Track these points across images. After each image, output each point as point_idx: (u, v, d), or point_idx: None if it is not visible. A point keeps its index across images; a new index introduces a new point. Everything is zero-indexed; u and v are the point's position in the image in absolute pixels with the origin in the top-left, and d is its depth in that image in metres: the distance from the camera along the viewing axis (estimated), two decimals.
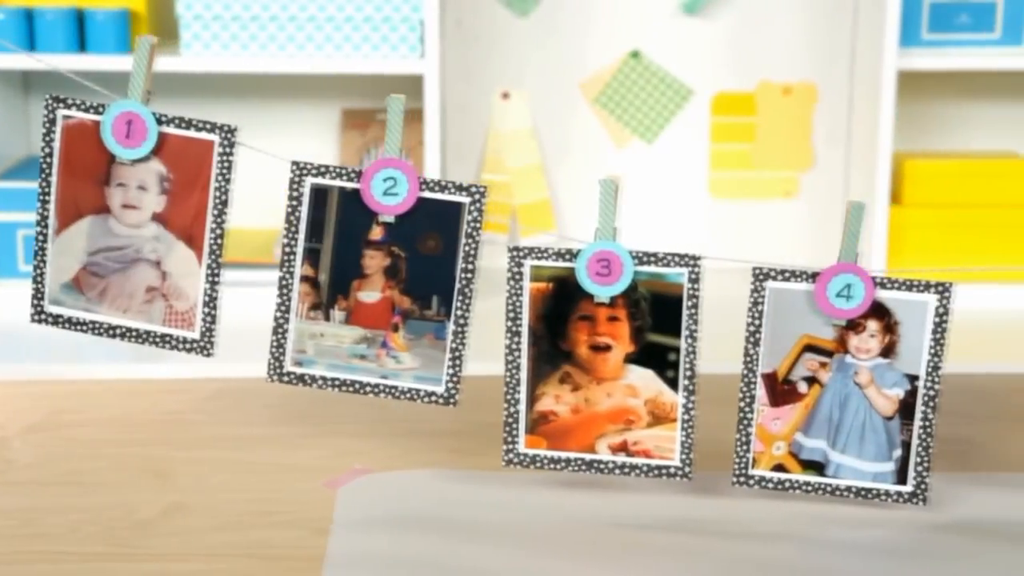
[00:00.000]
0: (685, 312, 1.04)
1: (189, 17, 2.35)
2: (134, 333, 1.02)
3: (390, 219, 1.02)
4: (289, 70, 2.39)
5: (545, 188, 2.79)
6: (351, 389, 1.05)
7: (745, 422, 1.07)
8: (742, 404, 1.07)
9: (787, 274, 1.05)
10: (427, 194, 1.02)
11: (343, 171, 1.02)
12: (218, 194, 1.00)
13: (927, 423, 1.05)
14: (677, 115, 2.79)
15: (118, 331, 1.02)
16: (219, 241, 1.00)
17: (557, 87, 2.77)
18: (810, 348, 1.06)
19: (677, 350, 1.05)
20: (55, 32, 2.32)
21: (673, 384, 1.05)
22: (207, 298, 1.01)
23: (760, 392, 1.06)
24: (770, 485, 1.08)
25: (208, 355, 1.01)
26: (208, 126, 0.99)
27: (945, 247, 2.50)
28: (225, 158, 0.99)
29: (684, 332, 1.04)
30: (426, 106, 2.42)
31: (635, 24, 2.71)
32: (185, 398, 1.30)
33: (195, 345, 1.02)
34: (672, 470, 1.07)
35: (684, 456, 1.06)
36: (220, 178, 0.99)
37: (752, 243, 2.77)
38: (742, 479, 1.08)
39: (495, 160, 2.80)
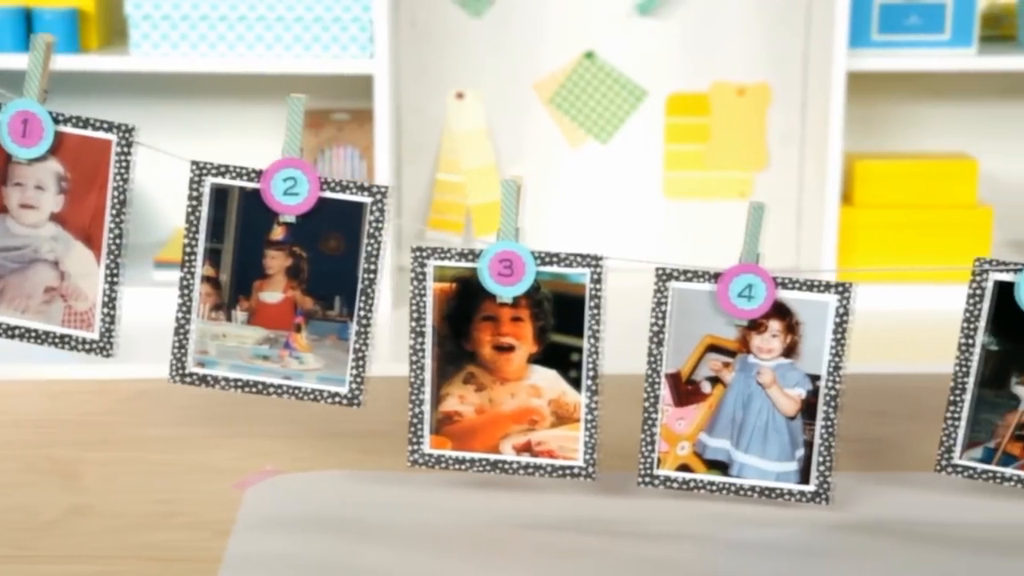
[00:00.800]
0: (588, 312, 1.04)
1: (138, 17, 2.35)
2: (33, 334, 1.02)
3: (291, 219, 1.02)
4: (238, 70, 2.39)
5: (499, 188, 2.79)
6: (254, 390, 1.05)
7: (650, 422, 1.07)
8: (646, 404, 1.07)
9: (690, 274, 1.05)
10: (328, 194, 1.02)
11: (243, 171, 1.02)
12: (116, 194, 0.99)
13: (829, 423, 1.06)
14: (631, 115, 2.80)
15: (16, 332, 1.02)
16: (118, 241, 1.00)
17: (512, 87, 2.77)
18: (713, 348, 1.06)
19: (580, 350, 1.05)
20: (2, 31, 2.31)
21: (576, 384, 1.05)
22: (106, 298, 1.00)
23: (664, 392, 1.07)
24: (675, 485, 1.08)
25: (108, 355, 1.01)
26: (106, 125, 0.99)
27: (895, 247, 2.51)
28: (123, 158, 0.99)
29: (587, 332, 1.04)
30: (376, 106, 2.42)
31: (589, 25, 2.72)
32: (104, 399, 1.30)
33: (95, 346, 1.01)
34: (576, 470, 1.07)
35: (588, 456, 1.06)
36: (118, 178, 0.99)
37: (707, 244, 2.78)
38: (647, 479, 1.08)
39: (450, 160, 2.80)
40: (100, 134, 0.99)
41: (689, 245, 2.67)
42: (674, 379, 1.07)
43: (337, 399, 1.05)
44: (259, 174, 1.02)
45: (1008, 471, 1.08)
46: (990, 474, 1.08)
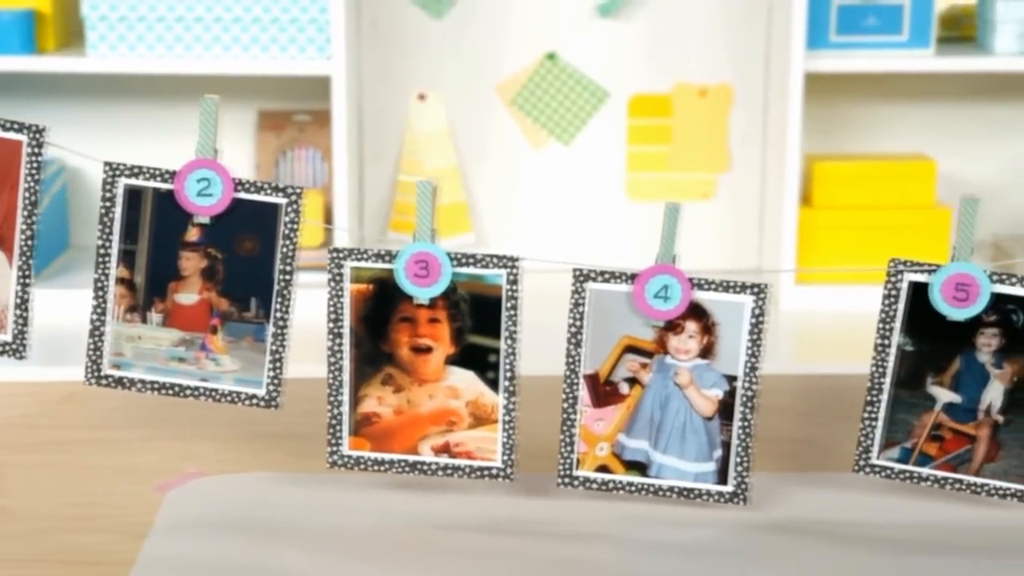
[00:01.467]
0: (504, 314, 1.04)
1: (95, 18, 2.34)
2: None
3: (206, 220, 1.02)
4: (195, 71, 2.38)
5: (462, 190, 2.79)
6: (171, 392, 1.04)
7: (568, 423, 1.07)
8: (565, 405, 1.07)
9: (607, 275, 1.05)
10: (243, 195, 1.02)
11: (157, 172, 1.02)
12: (28, 195, 0.99)
13: (746, 423, 1.06)
14: (593, 117, 2.80)
15: None
16: (30, 243, 0.99)
17: (473, 89, 2.77)
18: (631, 349, 1.06)
19: (498, 351, 1.05)
20: None
21: (494, 385, 1.05)
22: (19, 300, 1.00)
23: (583, 393, 1.07)
24: (594, 486, 1.08)
25: (21, 357, 1.01)
26: (16, 126, 0.99)
27: (854, 248, 2.51)
28: (34, 159, 0.99)
29: (504, 334, 1.04)
30: (334, 108, 2.42)
31: (551, 26, 2.72)
32: (32, 401, 1.30)
33: (7, 348, 1.01)
34: (494, 471, 1.07)
35: (506, 457, 1.06)
36: (29, 179, 0.99)
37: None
38: (567, 480, 1.08)
39: (412, 162, 2.79)
40: (10, 135, 0.98)
41: (653, 246, 2.66)
42: (592, 380, 1.07)
43: (255, 401, 1.05)
44: (173, 175, 1.02)
45: (925, 471, 1.08)
46: (907, 474, 1.08)
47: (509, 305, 1.04)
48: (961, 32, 2.61)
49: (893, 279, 1.05)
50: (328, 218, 2.46)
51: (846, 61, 2.45)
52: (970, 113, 2.65)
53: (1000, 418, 1.06)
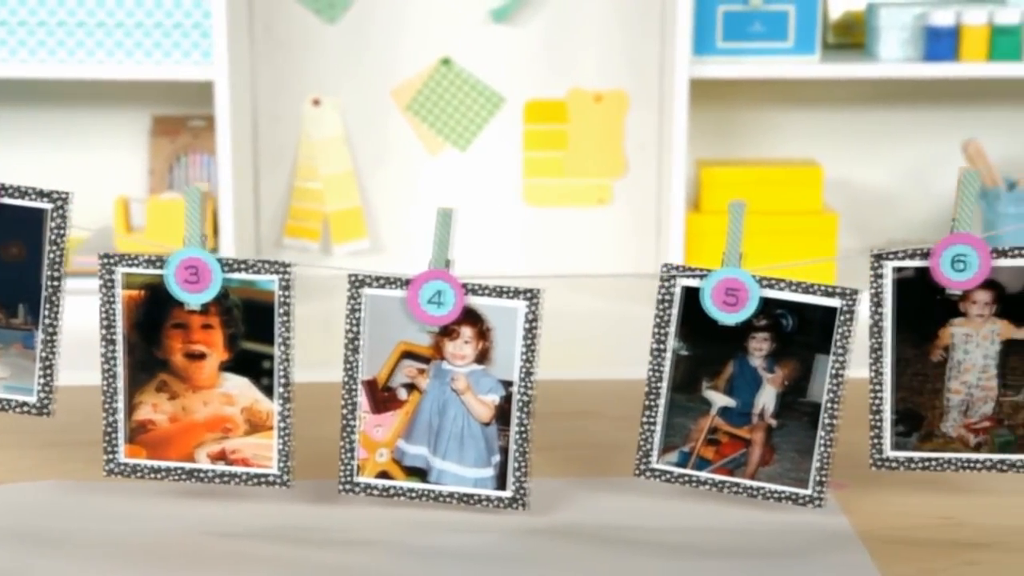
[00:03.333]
0: (277, 320, 1.04)
1: None
2: None
3: None
4: (77, 76, 2.37)
5: (357, 196, 2.79)
6: None
7: (348, 429, 1.07)
8: (345, 411, 1.07)
9: (382, 280, 1.05)
10: (7, 200, 1.01)
11: None
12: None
13: (523, 428, 1.06)
14: (489, 122, 2.80)
15: None
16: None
17: (369, 94, 2.77)
18: (408, 355, 1.06)
19: (272, 358, 1.04)
20: None
21: (269, 392, 1.05)
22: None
23: (362, 399, 1.06)
24: (376, 492, 1.08)
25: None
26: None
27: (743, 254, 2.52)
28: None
29: (277, 340, 1.04)
30: (217, 112, 2.41)
31: (446, 31, 2.72)
32: None
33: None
34: (271, 478, 1.06)
35: (282, 464, 1.06)
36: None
37: (568, 250, 2.78)
38: (348, 486, 1.08)
39: (308, 167, 2.79)
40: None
41: (550, 252, 2.67)
42: (371, 386, 1.07)
43: (26, 409, 1.04)
44: None
45: (703, 475, 1.08)
46: (686, 478, 1.08)
47: (282, 311, 1.03)
48: (853, 39, 2.63)
49: (666, 284, 1.06)
50: (216, 223, 2.45)
51: (732, 67, 2.46)
52: (859, 119, 2.67)
53: (773, 422, 1.06)
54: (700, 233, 2.52)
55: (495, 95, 2.69)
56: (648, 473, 1.08)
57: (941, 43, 2.39)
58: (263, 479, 1.06)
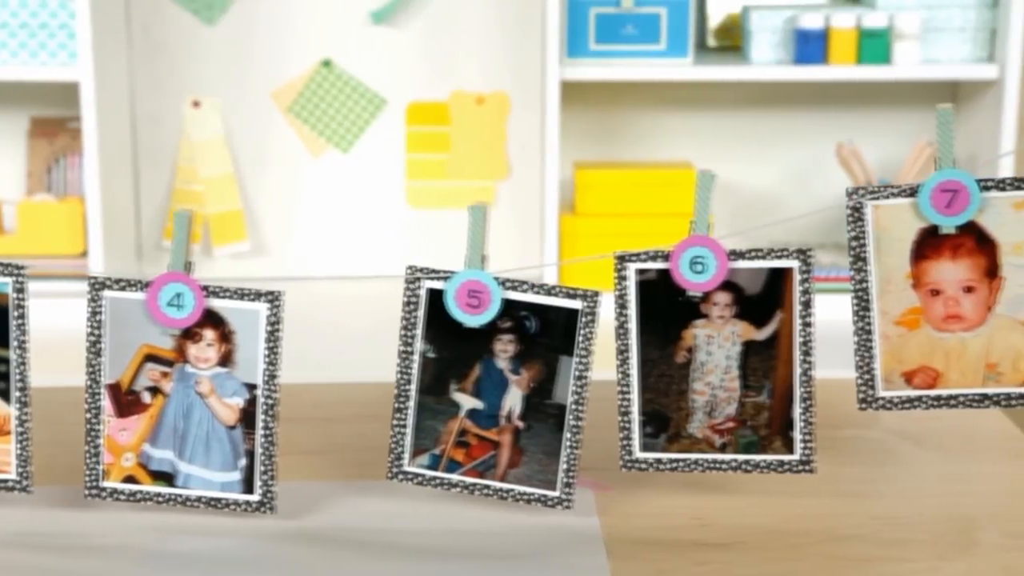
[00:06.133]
0: (12, 323, 1.02)
1: None
2: None
3: None
4: None
5: (238, 198, 2.77)
6: None
7: (93, 434, 1.06)
8: (89, 416, 1.05)
9: (123, 283, 1.04)
10: None
11: None
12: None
13: (268, 432, 1.05)
14: (372, 124, 2.79)
15: None
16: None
17: (250, 96, 2.75)
18: (151, 358, 1.05)
19: (7, 361, 1.03)
20: None
21: (6, 396, 1.04)
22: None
23: (106, 403, 1.05)
24: (123, 497, 1.07)
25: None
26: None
27: None
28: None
29: (12, 343, 1.03)
30: (83, 113, 2.39)
31: (326, 33, 2.70)
32: None
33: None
34: (10, 484, 1.05)
35: (22, 469, 1.05)
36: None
37: (452, 253, 2.77)
38: (94, 492, 1.07)
39: (188, 169, 2.77)
40: None
41: (434, 254, 2.66)
42: (114, 389, 1.06)
43: None
44: None
45: (454, 477, 1.07)
46: (438, 480, 1.08)
47: (16, 314, 1.02)
48: (733, 42, 2.64)
49: (412, 286, 1.05)
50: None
51: (604, 69, 2.46)
52: (737, 122, 2.68)
53: (521, 424, 1.06)
54: (575, 235, 2.52)
55: (377, 97, 2.68)
56: (400, 476, 1.07)
57: (810, 46, 2.39)
58: (2, 485, 1.05)
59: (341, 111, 2.69)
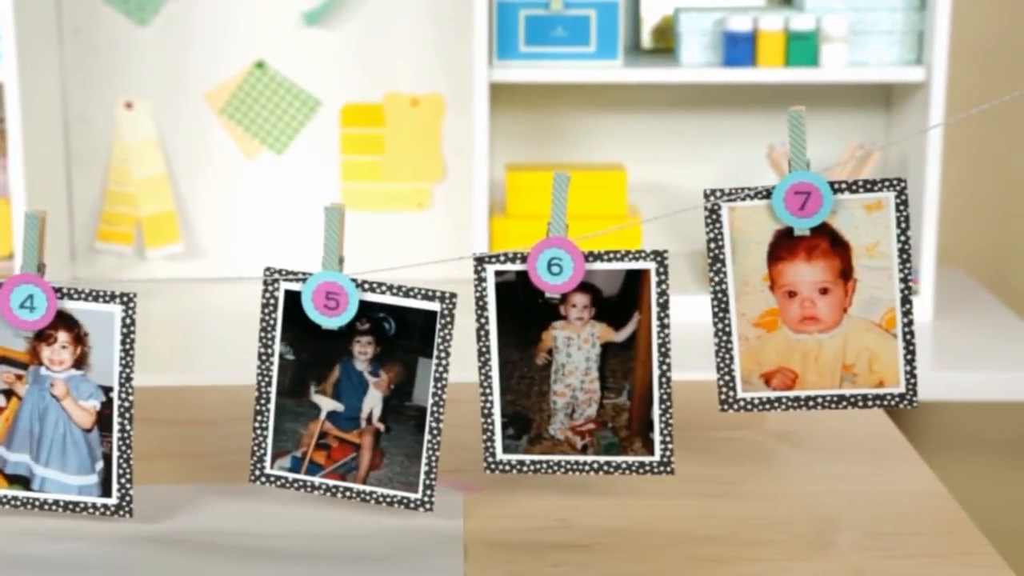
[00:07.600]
0: None
1: None
2: None
3: None
4: None
5: (171, 199, 2.75)
6: None
7: None
8: None
9: None
10: None
11: None
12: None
13: (125, 434, 1.04)
14: (306, 126, 2.78)
15: None
16: None
17: (182, 97, 2.74)
18: (5, 360, 1.04)
19: None
20: None
21: None
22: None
23: None
24: None
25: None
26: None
27: None
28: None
29: None
30: (8, 115, 2.37)
31: (259, 34, 2.69)
32: None
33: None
34: None
35: None
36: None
37: (387, 255, 2.77)
38: None
39: (121, 170, 2.75)
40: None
41: (368, 256, 2.65)
42: None
43: None
44: None
45: (316, 480, 1.07)
46: (300, 483, 1.07)
47: None
48: (667, 44, 2.64)
49: (270, 288, 1.04)
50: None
51: (534, 71, 2.46)
52: (670, 124, 2.68)
53: (381, 426, 1.05)
54: (506, 237, 2.52)
55: (311, 98, 2.67)
56: (263, 479, 1.07)
57: (739, 48, 2.40)
58: None
59: (275, 113, 2.68)
